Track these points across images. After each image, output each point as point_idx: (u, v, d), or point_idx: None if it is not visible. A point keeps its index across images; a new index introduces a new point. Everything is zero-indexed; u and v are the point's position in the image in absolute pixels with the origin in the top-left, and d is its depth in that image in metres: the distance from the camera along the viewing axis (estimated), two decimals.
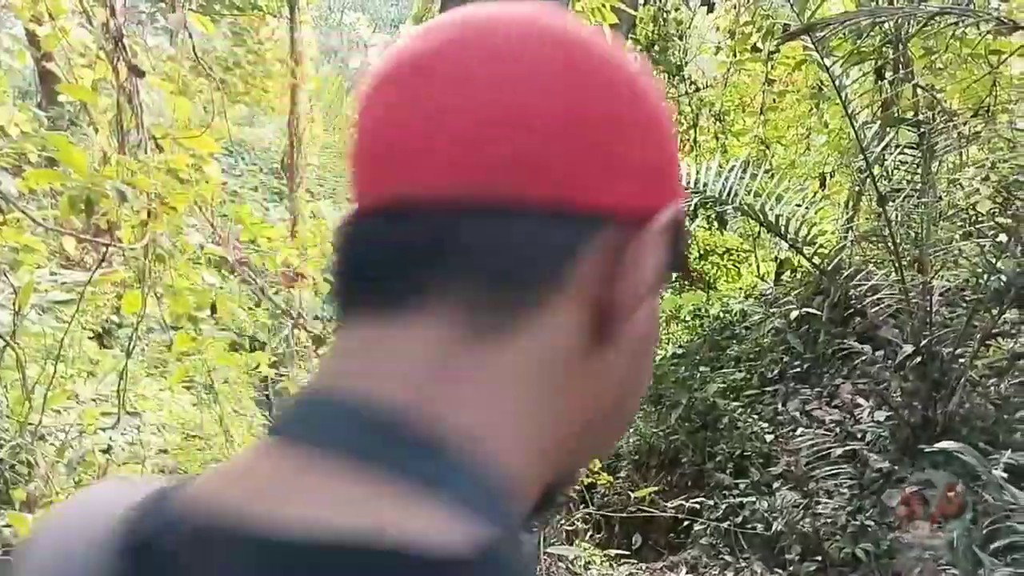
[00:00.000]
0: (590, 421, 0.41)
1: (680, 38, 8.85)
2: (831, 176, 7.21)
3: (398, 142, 0.38)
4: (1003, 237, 3.95)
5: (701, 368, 6.38)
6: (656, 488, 5.06)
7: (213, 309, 3.77)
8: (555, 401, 0.38)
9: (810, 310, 5.65)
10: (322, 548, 0.32)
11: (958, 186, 4.81)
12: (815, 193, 6.85)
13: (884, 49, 5.48)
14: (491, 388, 0.37)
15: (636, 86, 0.40)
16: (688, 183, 4.47)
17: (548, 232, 0.37)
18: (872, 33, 4.71)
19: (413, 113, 0.38)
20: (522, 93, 0.37)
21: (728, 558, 4.20)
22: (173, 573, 0.35)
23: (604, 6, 4.51)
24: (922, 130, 4.70)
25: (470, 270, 0.37)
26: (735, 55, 8.12)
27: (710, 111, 9.04)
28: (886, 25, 4.71)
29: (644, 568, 4.09)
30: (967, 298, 4.32)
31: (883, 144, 4.29)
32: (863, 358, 4.59)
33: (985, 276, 3.94)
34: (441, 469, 0.34)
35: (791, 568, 3.83)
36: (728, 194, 4.37)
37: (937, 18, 3.96)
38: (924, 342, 4.00)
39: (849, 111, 4.18)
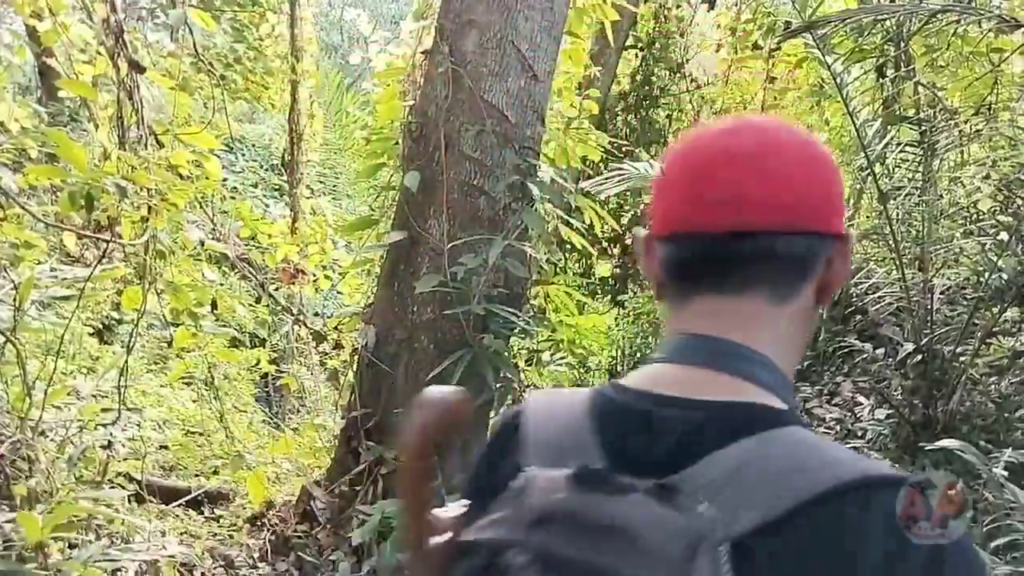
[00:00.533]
0: (800, 347, 0.74)
1: (681, 35, 8.83)
2: None
3: (742, 195, 0.67)
4: (1004, 235, 3.94)
5: None
6: None
7: (213, 305, 3.77)
8: (799, 337, 0.73)
9: None
10: (727, 405, 0.65)
11: (959, 184, 4.80)
12: None
13: (885, 47, 5.47)
14: (778, 332, 0.70)
15: (834, 162, 0.75)
16: None
17: (816, 246, 0.69)
18: (873, 31, 4.70)
19: (753, 182, 0.67)
20: (810, 172, 0.70)
21: None
22: (625, 422, 0.67)
23: (605, 2, 4.51)
24: (923, 128, 4.69)
25: (779, 267, 0.69)
26: (736, 52, 8.11)
27: (711, 108, 9.03)
28: (887, 23, 4.69)
29: None
30: (968, 296, 4.32)
31: (884, 142, 4.28)
32: (864, 356, 4.59)
33: (986, 274, 3.94)
34: (764, 375, 0.68)
35: None
36: None
37: (939, 16, 3.95)
38: (925, 340, 4.00)
39: (850, 109, 4.17)
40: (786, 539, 0.56)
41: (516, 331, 3.43)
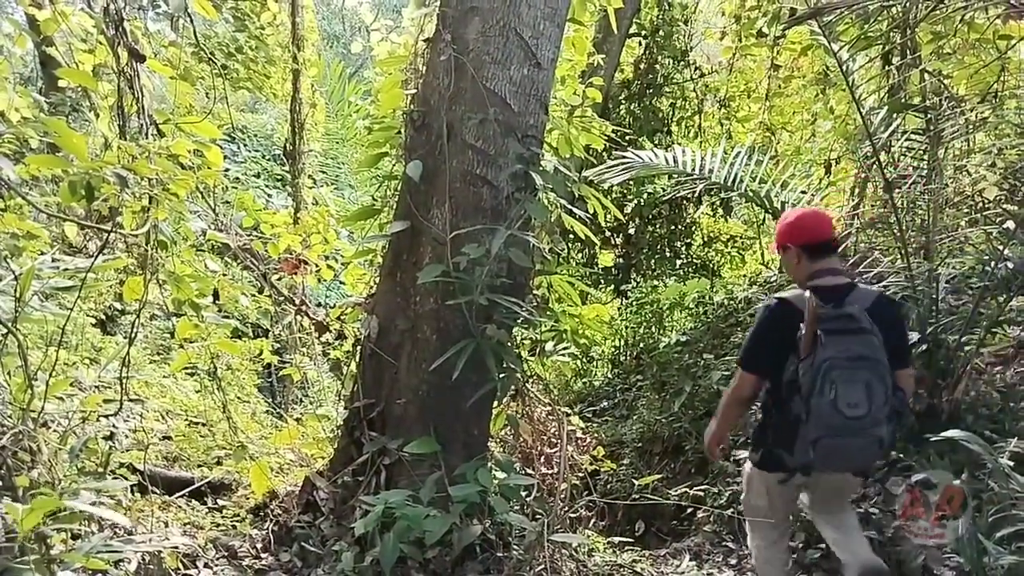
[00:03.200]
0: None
1: (685, 23, 8.79)
2: (837, 162, 7.18)
3: (821, 227, 2.97)
4: (1010, 224, 3.91)
5: (705, 355, 6.36)
6: (659, 475, 5.06)
7: (216, 296, 3.76)
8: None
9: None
10: (849, 283, 2.91)
11: (965, 173, 4.77)
12: (821, 179, 6.82)
13: (891, 34, 5.43)
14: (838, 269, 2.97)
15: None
16: (693, 170, 4.44)
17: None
18: (880, 18, 4.66)
19: (827, 225, 3.00)
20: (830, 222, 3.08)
21: (731, 545, 4.20)
22: (826, 295, 2.81)
23: None
24: (929, 116, 4.66)
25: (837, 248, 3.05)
26: (740, 40, 8.06)
27: (715, 97, 9.00)
28: (894, 10, 4.66)
29: (647, 555, 4.08)
30: (973, 285, 4.29)
31: (890, 130, 4.25)
32: None
33: (992, 263, 3.91)
34: (848, 276, 2.96)
35: (795, 555, 3.83)
36: (733, 180, 4.34)
37: (945, 3, 3.91)
38: (930, 329, 3.98)
39: (856, 96, 4.14)
40: (874, 309, 2.76)
41: (519, 321, 3.41)
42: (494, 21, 3.26)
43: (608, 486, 5.08)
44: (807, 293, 2.76)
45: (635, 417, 5.83)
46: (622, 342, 7.61)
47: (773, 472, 2.96)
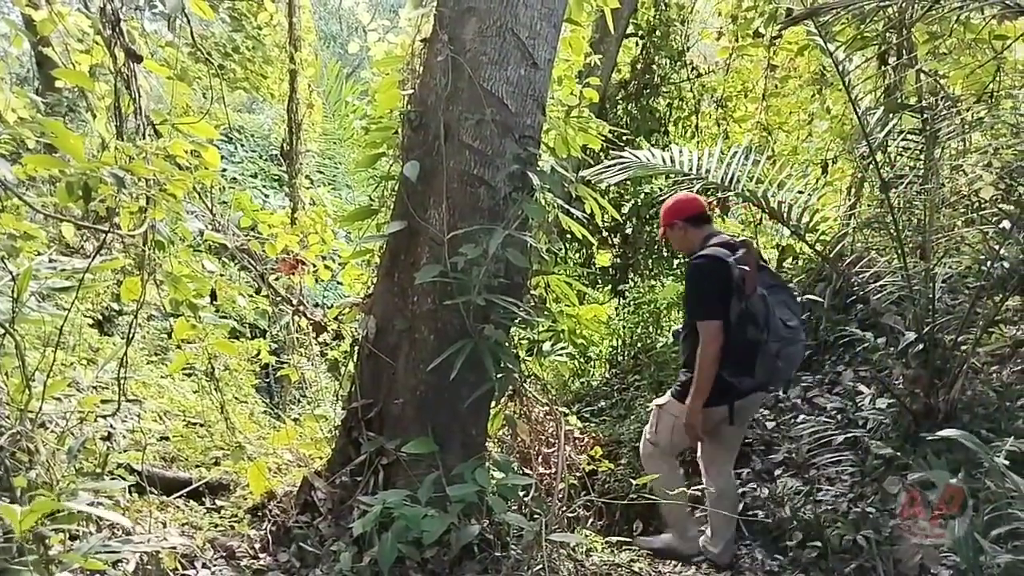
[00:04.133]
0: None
1: (682, 23, 8.79)
2: (833, 162, 7.19)
3: (696, 203, 3.95)
4: (1006, 224, 3.93)
5: None
6: (657, 475, 5.05)
7: (213, 296, 3.76)
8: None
9: (812, 297, 5.63)
10: (731, 242, 3.74)
11: (961, 172, 4.78)
12: (817, 179, 6.83)
13: (887, 34, 5.44)
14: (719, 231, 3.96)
15: (673, 202, 3.97)
16: (690, 169, 4.44)
17: (681, 225, 3.89)
18: (876, 18, 4.67)
19: (693, 201, 3.97)
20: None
21: None
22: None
23: None
24: (925, 116, 4.67)
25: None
26: (737, 40, 8.07)
27: (712, 97, 9.00)
28: (890, 10, 4.67)
29: (645, 555, 4.09)
30: (970, 285, 4.30)
31: (886, 130, 4.26)
32: (865, 345, 4.58)
33: (988, 263, 3.93)
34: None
35: (792, 554, 3.84)
36: (730, 180, 4.35)
37: (941, 3, 3.92)
38: (926, 329, 3.99)
39: (852, 97, 4.15)
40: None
41: (517, 321, 3.42)
42: (491, 22, 3.26)
43: (606, 486, 5.08)
44: (721, 250, 3.62)
45: (633, 417, 5.83)
46: (620, 342, 7.61)
47: (718, 407, 3.69)
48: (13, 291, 2.66)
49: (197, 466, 4.26)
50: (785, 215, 4.34)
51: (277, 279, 4.44)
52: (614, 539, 4.00)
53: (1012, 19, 4.25)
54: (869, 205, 5.89)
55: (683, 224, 3.88)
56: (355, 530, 3.00)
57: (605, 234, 8.58)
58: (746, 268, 3.51)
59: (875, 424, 4.27)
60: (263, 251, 4.35)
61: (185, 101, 3.75)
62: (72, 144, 2.73)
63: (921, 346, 4.01)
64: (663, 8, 8.62)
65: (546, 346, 4.02)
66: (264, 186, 15.31)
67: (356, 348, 3.66)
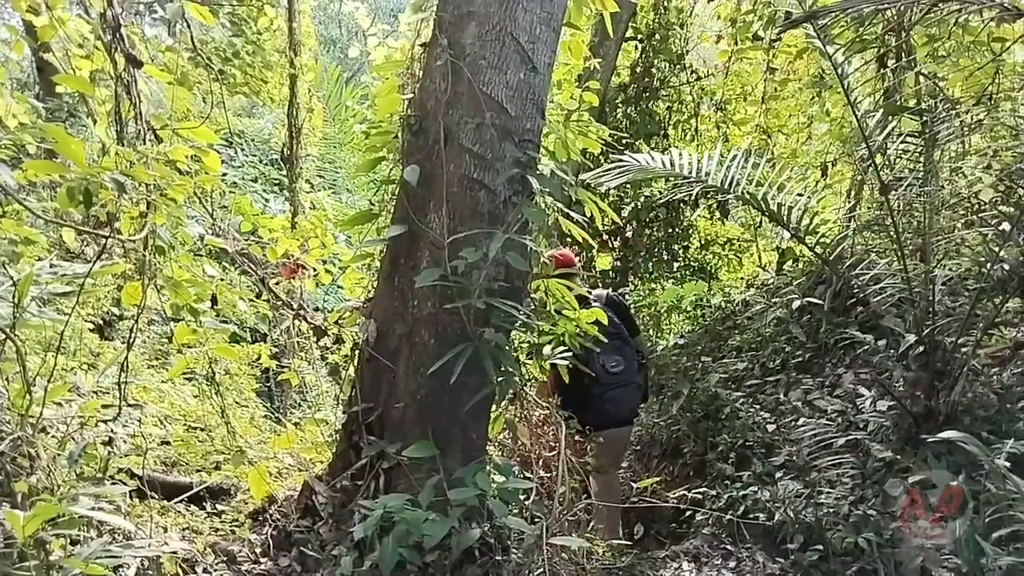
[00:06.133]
0: None
1: (681, 27, 8.80)
2: (833, 165, 7.19)
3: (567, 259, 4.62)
4: (1006, 225, 3.93)
5: (703, 358, 6.37)
6: (658, 478, 5.06)
7: (214, 301, 3.76)
8: None
9: (812, 300, 5.64)
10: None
11: (960, 175, 4.78)
12: (817, 182, 6.84)
13: (886, 37, 5.45)
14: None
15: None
16: (690, 173, 4.44)
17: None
18: (874, 21, 4.68)
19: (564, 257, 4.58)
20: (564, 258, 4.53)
21: (730, 548, 4.20)
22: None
23: None
24: (924, 118, 4.68)
25: None
26: (736, 43, 8.08)
27: (711, 100, 9.01)
28: (888, 12, 4.68)
29: (646, 558, 4.09)
30: (970, 287, 4.31)
31: (885, 133, 4.26)
32: (865, 347, 4.58)
33: (988, 265, 3.93)
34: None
35: (793, 557, 3.83)
36: (729, 183, 4.35)
37: (940, 5, 3.93)
38: (927, 331, 3.99)
39: (851, 99, 4.15)
40: (608, 302, 4.72)
41: (517, 325, 3.42)
42: (490, 26, 3.27)
43: None
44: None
45: (634, 419, 5.82)
46: None
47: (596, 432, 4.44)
48: (14, 296, 2.67)
49: (198, 470, 4.26)
50: (785, 218, 4.34)
51: (278, 283, 4.44)
52: (615, 542, 4.00)
53: (1010, 21, 4.25)
54: (869, 207, 5.90)
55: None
56: (356, 534, 3.00)
57: (605, 237, 8.59)
58: None
59: (876, 426, 4.26)
60: (264, 255, 4.35)
61: (185, 106, 3.74)
62: (73, 149, 2.73)
63: (921, 348, 4.01)
64: (662, 12, 8.63)
65: (546, 349, 4.01)
66: (264, 190, 15.32)
67: (356, 352, 3.67)
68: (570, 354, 3.89)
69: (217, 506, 3.83)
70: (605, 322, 4.15)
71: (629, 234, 8.73)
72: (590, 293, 4.65)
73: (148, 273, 3.23)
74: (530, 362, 4.04)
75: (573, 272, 4.49)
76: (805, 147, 8.14)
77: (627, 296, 8.48)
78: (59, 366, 3.21)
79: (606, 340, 4.17)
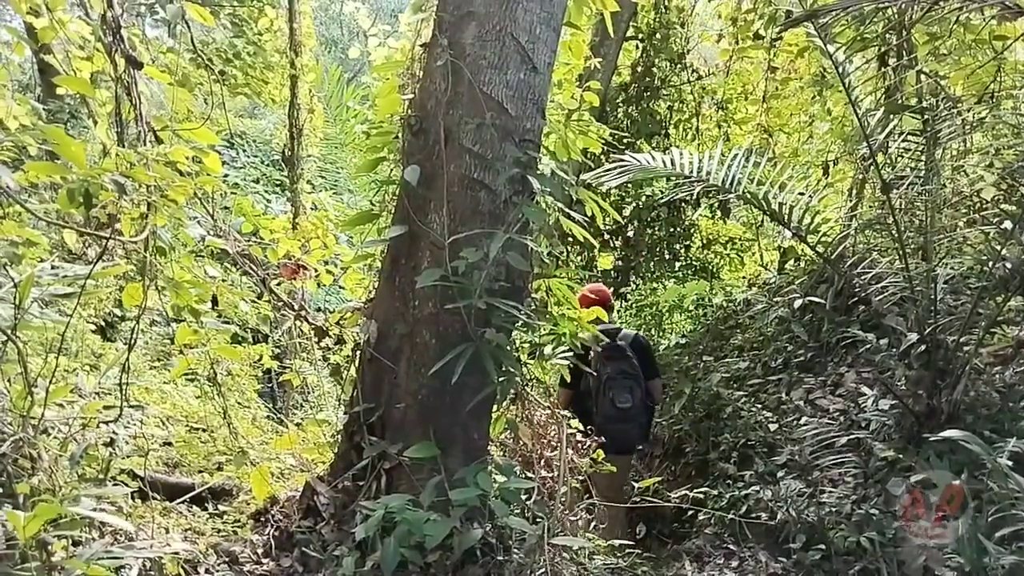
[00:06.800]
0: None
1: (682, 26, 8.80)
2: (834, 164, 7.18)
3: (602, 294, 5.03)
4: (1008, 224, 3.92)
5: (705, 358, 6.37)
6: (660, 478, 5.05)
7: (215, 302, 3.76)
8: None
9: (814, 299, 5.63)
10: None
11: (962, 173, 4.78)
12: (818, 181, 6.83)
13: (887, 35, 5.45)
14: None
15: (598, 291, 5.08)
16: (691, 172, 4.44)
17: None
18: (875, 19, 4.67)
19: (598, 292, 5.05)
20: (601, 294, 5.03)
21: (732, 547, 4.20)
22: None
23: None
24: (926, 117, 4.67)
25: None
26: (737, 42, 8.07)
27: (712, 99, 9.00)
28: (889, 11, 4.67)
29: (648, 558, 4.08)
30: (972, 286, 4.30)
31: (886, 131, 4.26)
32: (867, 346, 4.58)
33: (990, 263, 3.92)
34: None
35: (795, 557, 3.83)
36: (731, 183, 4.34)
37: (941, 3, 3.92)
38: (929, 330, 3.99)
39: (852, 98, 4.15)
40: (633, 343, 4.93)
41: (518, 325, 3.42)
42: (491, 26, 3.26)
43: None
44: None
45: None
46: None
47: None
48: (15, 297, 2.67)
49: (200, 471, 4.26)
50: (786, 217, 4.34)
51: (279, 284, 4.44)
52: (617, 542, 3.99)
53: (1012, 19, 4.25)
54: (870, 206, 5.89)
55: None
56: (358, 535, 3.00)
57: (606, 237, 8.59)
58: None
59: (878, 425, 4.26)
60: (265, 256, 4.35)
61: (186, 107, 3.75)
62: (73, 151, 2.73)
63: (923, 347, 4.01)
64: (663, 11, 8.62)
65: (548, 349, 4.01)
66: (266, 191, 15.34)
67: (358, 353, 3.66)
68: (583, 379, 4.44)
69: (219, 507, 3.83)
70: (606, 320, 4.33)
71: (631, 234, 8.72)
72: (619, 332, 5.01)
73: (149, 274, 3.23)
74: (531, 362, 4.04)
75: (608, 307, 4.91)
76: (806, 146, 8.14)
77: (629, 296, 8.49)
78: (61, 367, 3.22)
79: (622, 379, 4.79)
